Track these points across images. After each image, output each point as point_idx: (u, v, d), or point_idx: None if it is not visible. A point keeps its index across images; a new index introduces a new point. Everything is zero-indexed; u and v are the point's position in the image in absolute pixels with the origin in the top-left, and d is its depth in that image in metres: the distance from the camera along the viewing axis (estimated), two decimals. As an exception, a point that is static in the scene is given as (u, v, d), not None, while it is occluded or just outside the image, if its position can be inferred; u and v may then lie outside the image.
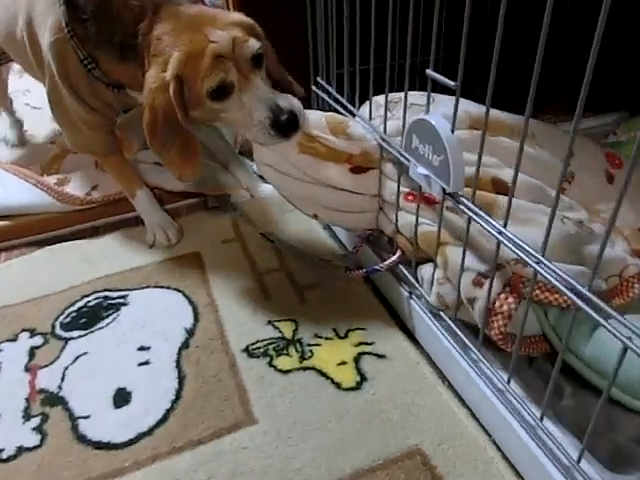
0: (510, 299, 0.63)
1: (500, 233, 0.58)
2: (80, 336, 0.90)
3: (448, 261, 0.70)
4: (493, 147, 0.76)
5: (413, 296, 0.83)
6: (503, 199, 0.72)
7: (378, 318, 0.89)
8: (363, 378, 0.79)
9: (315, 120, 0.83)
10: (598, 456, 0.62)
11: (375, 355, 0.83)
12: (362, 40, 0.82)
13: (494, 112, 0.82)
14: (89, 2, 0.84)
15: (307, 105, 1.08)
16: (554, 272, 0.52)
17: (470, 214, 0.62)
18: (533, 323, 0.69)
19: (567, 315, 0.70)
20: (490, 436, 0.70)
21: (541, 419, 0.60)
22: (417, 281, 0.81)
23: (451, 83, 0.57)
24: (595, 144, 0.93)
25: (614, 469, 0.63)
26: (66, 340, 0.90)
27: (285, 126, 0.79)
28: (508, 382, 0.65)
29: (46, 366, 0.85)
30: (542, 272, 0.53)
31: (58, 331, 0.92)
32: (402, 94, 0.83)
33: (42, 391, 0.81)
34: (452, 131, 0.60)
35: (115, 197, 1.18)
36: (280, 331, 0.88)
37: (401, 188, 0.77)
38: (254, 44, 0.79)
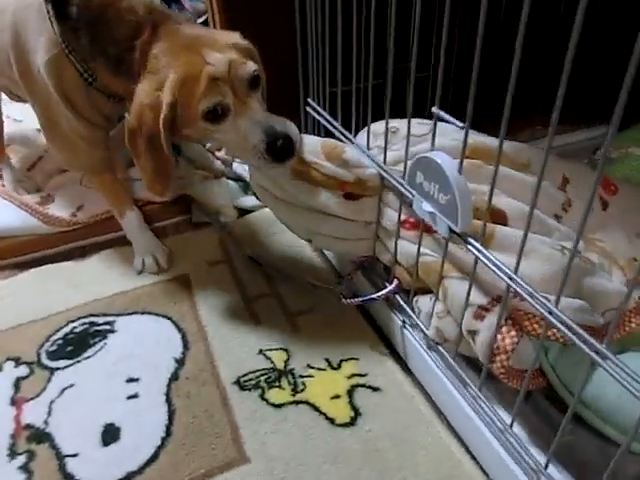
0: (512, 332, 0.62)
1: (511, 279, 0.57)
2: (67, 366, 0.88)
3: (448, 294, 0.69)
4: (491, 176, 0.76)
5: (407, 326, 0.83)
6: (501, 230, 0.70)
7: (371, 347, 0.88)
8: (357, 413, 0.78)
9: (311, 145, 0.82)
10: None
11: (369, 388, 0.82)
12: (358, 54, 0.80)
13: (493, 141, 0.81)
14: (84, 12, 0.82)
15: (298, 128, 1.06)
16: (564, 323, 0.52)
17: (479, 255, 0.60)
18: (533, 357, 0.68)
19: (566, 353, 0.69)
20: (490, 478, 0.69)
21: (546, 467, 0.60)
22: (413, 312, 0.80)
23: (459, 124, 0.56)
24: (590, 170, 0.92)
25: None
26: (52, 370, 0.87)
27: (280, 151, 0.77)
28: (511, 426, 0.64)
29: (32, 399, 0.83)
30: (553, 321, 0.52)
31: (44, 360, 0.89)
32: (401, 122, 0.82)
33: (28, 427, 0.79)
34: (460, 172, 0.59)
35: (101, 217, 1.16)
36: (271, 361, 0.87)
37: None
38: (251, 66, 0.78)
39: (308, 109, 1.03)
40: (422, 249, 0.74)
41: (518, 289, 0.56)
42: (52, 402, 0.82)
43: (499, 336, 0.62)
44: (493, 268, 0.59)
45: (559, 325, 0.53)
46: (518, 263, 0.56)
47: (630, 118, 1.37)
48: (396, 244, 0.79)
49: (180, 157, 1.21)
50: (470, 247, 0.61)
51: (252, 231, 1.16)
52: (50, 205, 1.19)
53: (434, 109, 0.61)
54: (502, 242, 0.67)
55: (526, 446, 0.62)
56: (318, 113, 0.99)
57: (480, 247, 0.61)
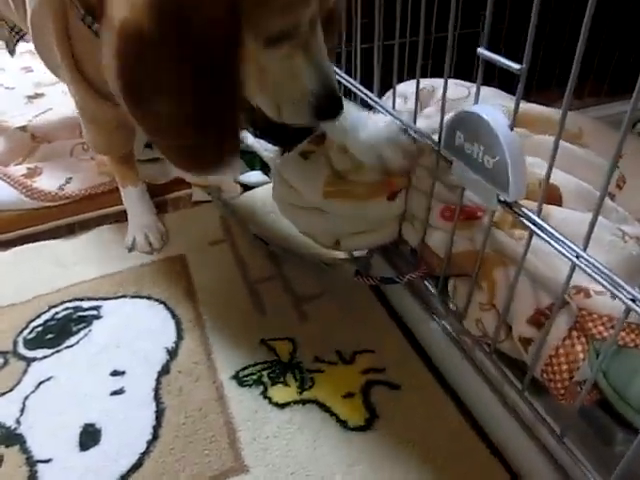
0: (578, 347, 0.51)
1: (578, 257, 0.45)
2: (45, 356, 0.78)
3: (497, 288, 0.57)
4: (539, 147, 0.64)
5: (434, 315, 0.71)
6: (559, 212, 0.59)
7: (389, 338, 0.77)
8: (373, 414, 0.67)
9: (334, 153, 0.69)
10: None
11: (387, 385, 0.71)
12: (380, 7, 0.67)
13: (540, 108, 0.69)
14: None
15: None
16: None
17: (536, 230, 0.49)
18: (585, 367, 0.56)
19: (620, 357, 0.58)
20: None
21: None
22: (445, 295, 0.69)
23: (515, 66, 0.44)
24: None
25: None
26: (29, 361, 0.77)
27: (331, 110, 0.58)
28: (561, 437, 0.53)
29: (4, 394, 0.73)
30: (637, 310, 0.41)
31: (21, 349, 0.79)
32: (432, 82, 0.70)
33: (-2, 426, 0.69)
34: (511, 128, 0.48)
35: (92, 191, 1.06)
36: (275, 353, 0.76)
37: (435, 202, 0.65)
38: None
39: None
40: (462, 239, 0.62)
41: (588, 269, 0.44)
42: (26, 398, 0.72)
43: (561, 350, 0.51)
44: (554, 244, 0.47)
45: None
46: (588, 240, 0.44)
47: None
48: (427, 221, 0.66)
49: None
50: (524, 220, 0.49)
51: (257, 208, 1.05)
52: (37, 178, 1.09)
53: (480, 49, 0.49)
54: (559, 225, 0.55)
55: (583, 462, 0.51)
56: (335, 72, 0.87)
57: (537, 219, 0.49)
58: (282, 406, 0.69)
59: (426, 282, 0.71)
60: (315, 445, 0.64)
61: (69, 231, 1.03)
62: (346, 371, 0.73)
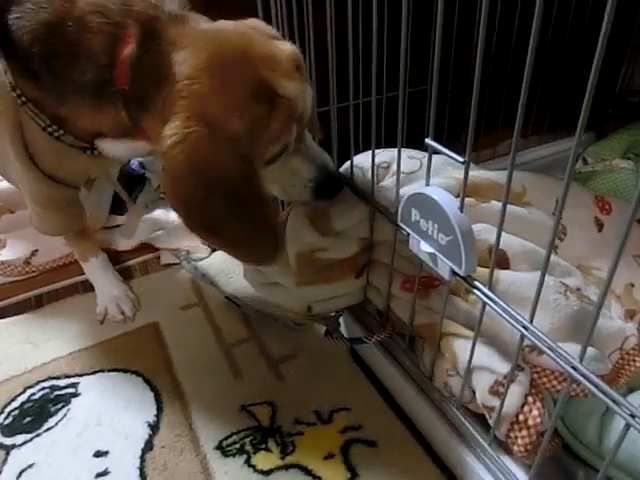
0: (535, 411, 0.56)
1: (526, 329, 0.50)
2: (25, 442, 0.78)
3: (458, 359, 0.62)
4: (485, 215, 0.69)
5: (405, 372, 0.75)
6: (506, 275, 0.64)
7: (364, 394, 0.81)
8: (354, 474, 0.71)
9: (301, 226, 0.73)
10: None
11: (364, 442, 0.74)
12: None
13: (486, 175, 0.75)
14: (34, 42, 0.60)
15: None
16: (587, 377, 0.45)
17: (488, 302, 0.54)
18: (545, 420, 0.61)
19: (574, 403, 0.63)
20: None
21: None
22: (413, 352, 0.73)
23: (459, 159, 0.49)
24: (583, 188, 0.87)
25: None
26: (8, 449, 0.77)
27: (330, 190, 0.70)
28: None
29: (-15, 486, 0.73)
30: (582, 380, 0.46)
31: (-2, 437, 0.79)
32: (388, 155, 0.75)
33: (-18, 521, 0.69)
34: (461, 210, 0.53)
35: (60, 262, 1.06)
36: (256, 418, 0.79)
37: (396, 274, 0.69)
38: (313, 95, 0.66)
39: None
40: (423, 309, 0.67)
41: (535, 340, 0.50)
42: (9, 488, 0.72)
43: (521, 416, 0.55)
44: (505, 316, 0.52)
45: (583, 381, 0.46)
46: (534, 311, 0.50)
47: (607, 125, 1.34)
48: (389, 290, 0.71)
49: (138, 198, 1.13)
50: (477, 292, 0.55)
51: (226, 268, 1.08)
52: (2, 251, 1.08)
53: (427, 140, 0.54)
54: (508, 289, 0.61)
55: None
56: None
57: (488, 292, 0.54)
58: (266, 473, 0.72)
59: (395, 339, 0.75)
60: (301, 511, 0.67)
61: (37, 303, 1.03)
62: (325, 431, 0.76)
